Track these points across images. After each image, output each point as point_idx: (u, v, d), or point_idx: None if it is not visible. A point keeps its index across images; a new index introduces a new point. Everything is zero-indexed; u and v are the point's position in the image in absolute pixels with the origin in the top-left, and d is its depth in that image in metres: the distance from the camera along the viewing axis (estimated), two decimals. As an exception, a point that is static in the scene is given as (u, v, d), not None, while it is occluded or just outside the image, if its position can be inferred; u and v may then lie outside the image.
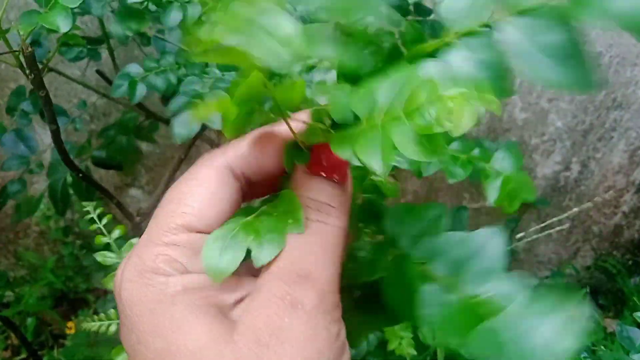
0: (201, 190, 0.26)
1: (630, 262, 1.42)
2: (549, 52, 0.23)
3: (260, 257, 0.25)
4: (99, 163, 0.92)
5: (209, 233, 0.26)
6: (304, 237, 0.26)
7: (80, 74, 0.94)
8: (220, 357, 0.23)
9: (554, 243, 1.36)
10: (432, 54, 0.26)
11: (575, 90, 0.33)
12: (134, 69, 0.54)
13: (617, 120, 1.13)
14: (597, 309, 1.43)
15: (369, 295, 0.30)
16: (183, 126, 0.43)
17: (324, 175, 0.27)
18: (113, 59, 0.80)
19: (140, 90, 0.53)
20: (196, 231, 0.26)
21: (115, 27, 0.56)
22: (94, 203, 0.55)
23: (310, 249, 0.25)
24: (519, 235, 1.11)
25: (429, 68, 0.25)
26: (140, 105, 0.83)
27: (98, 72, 0.87)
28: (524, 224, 1.35)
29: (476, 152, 0.56)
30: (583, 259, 1.43)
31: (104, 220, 0.54)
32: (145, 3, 0.50)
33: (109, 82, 0.82)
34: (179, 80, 0.55)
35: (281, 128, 0.27)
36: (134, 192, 1.16)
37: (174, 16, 0.51)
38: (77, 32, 0.68)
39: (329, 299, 0.25)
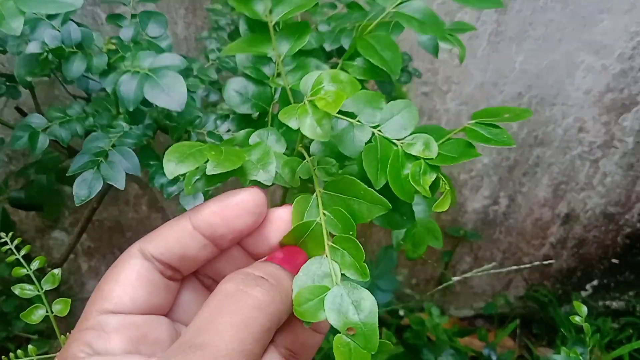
0: (115, 276, 0.29)
1: (560, 292, 1.47)
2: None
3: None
4: (17, 204, 0.88)
5: (119, 313, 0.27)
6: (219, 303, 0.26)
7: (-4, 114, 0.90)
8: None
9: (487, 275, 1.39)
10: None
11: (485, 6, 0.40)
12: (36, 119, 0.52)
13: (540, 157, 1.18)
14: (531, 338, 1.46)
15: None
16: (84, 187, 0.42)
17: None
18: (34, 96, 0.77)
19: (42, 142, 0.51)
20: (107, 312, 0.27)
21: (18, 70, 0.54)
22: (10, 234, 0.52)
23: (219, 318, 0.25)
24: (455, 278, 1.13)
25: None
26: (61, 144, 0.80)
27: (17, 109, 0.84)
28: (457, 257, 1.37)
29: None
30: (516, 289, 1.47)
31: (22, 252, 0.51)
32: (45, 54, 0.48)
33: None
34: (86, 132, 0.53)
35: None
36: (57, 234, 1.11)
37: (77, 66, 0.49)
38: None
39: None
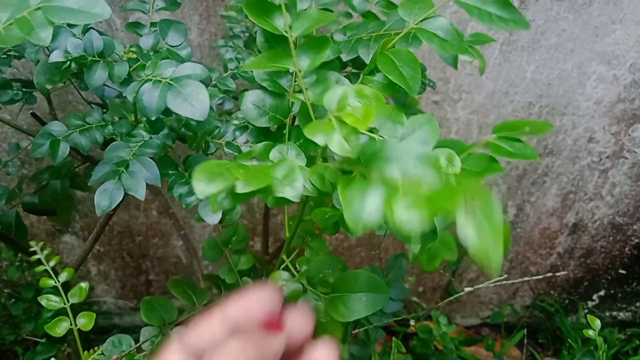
0: None
1: (566, 302, 1.46)
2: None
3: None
4: (30, 209, 0.88)
5: None
6: None
7: (10, 118, 0.91)
8: None
9: (493, 284, 1.39)
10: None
11: (513, 27, 0.42)
12: (56, 127, 0.52)
13: (549, 166, 1.18)
14: (537, 348, 1.45)
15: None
16: (105, 197, 0.42)
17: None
18: (49, 102, 0.78)
19: (63, 149, 0.51)
20: None
21: (38, 78, 0.54)
22: (41, 242, 0.52)
23: None
24: (466, 289, 1.13)
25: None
26: (75, 149, 0.81)
27: (33, 114, 0.84)
28: (464, 265, 1.37)
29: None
30: (522, 298, 1.46)
31: (52, 262, 0.52)
32: (68, 63, 0.48)
33: (44, 124, 0.79)
34: (105, 140, 0.54)
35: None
36: (67, 238, 1.11)
37: (99, 75, 0.49)
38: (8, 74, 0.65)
39: None
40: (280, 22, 0.46)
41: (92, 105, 0.74)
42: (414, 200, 0.33)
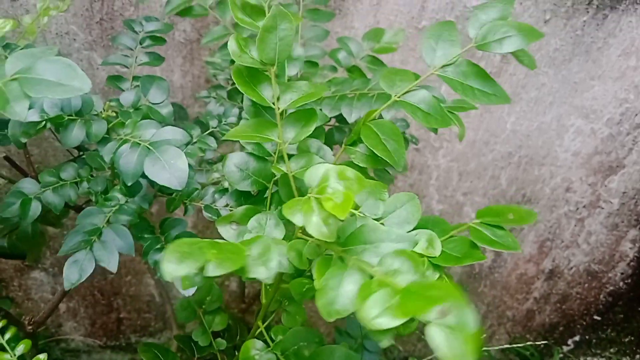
0: None
1: (542, 346, 1.46)
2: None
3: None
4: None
5: None
6: None
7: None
8: None
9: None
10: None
11: (495, 102, 0.41)
12: (28, 184, 0.51)
13: (527, 214, 1.19)
14: (512, 392, 1.45)
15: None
16: (75, 270, 0.40)
17: None
18: (25, 151, 0.75)
19: (34, 209, 0.49)
20: None
21: (13, 130, 0.52)
22: None
23: None
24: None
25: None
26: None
27: (6, 158, 0.82)
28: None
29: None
30: (498, 341, 1.46)
31: (7, 335, 0.49)
32: (44, 123, 0.47)
33: (17, 168, 0.77)
34: (79, 197, 0.52)
35: None
36: (37, 274, 1.08)
37: (75, 135, 0.48)
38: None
39: None
40: (269, 93, 0.45)
41: (69, 151, 0.72)
42: (389, 294, 0.32)
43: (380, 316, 0.29)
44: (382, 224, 0.44)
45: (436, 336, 0.26)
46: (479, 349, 0.27)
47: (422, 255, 0.42)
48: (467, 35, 0.46)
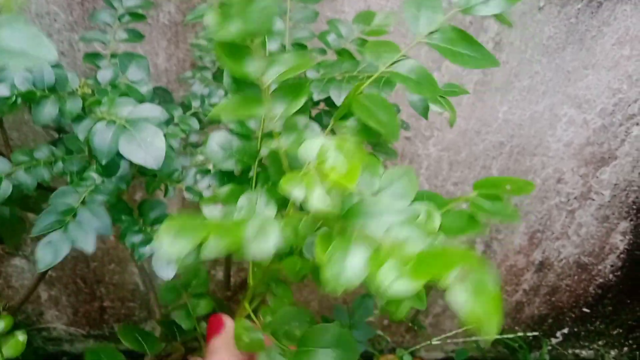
0: None
1: (530, 338, 1.46)
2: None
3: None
4: (-25, 236, 0.83)
5: None
6: None
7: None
8: None
9: (459, 318, 1.38)
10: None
11: (484, 66, 0.43)
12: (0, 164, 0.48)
13: (518, 205, 1.18)
14: (500, 384, 1.44)
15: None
16: (49, 251, 0.38)
17: None
18: (1, 124, 0.73)
19: (5, 189, 0.47)
20: None
21: (-14, 110, 0.50)
22: None
23: None
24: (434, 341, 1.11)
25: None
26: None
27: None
28: (430, 300, 1.36)
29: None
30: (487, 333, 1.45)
31: None
32: (14, 98, 0.45)
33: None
34: (54, 178, 0.50)
35: None
36: (17, 261, 1.05)
37: (48, 111, 0.46)
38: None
39: None
40: (253, 67, 0.43)
41: (50, 135, 0.70)
42: (400, 263, 0.30)
43: (396, 281, 0.28)
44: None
45: (460, 297, 0.25)
46: (501, 309, 0.26)
47: (425, 226, 0.40)
48: (451, 4, 0.44)
